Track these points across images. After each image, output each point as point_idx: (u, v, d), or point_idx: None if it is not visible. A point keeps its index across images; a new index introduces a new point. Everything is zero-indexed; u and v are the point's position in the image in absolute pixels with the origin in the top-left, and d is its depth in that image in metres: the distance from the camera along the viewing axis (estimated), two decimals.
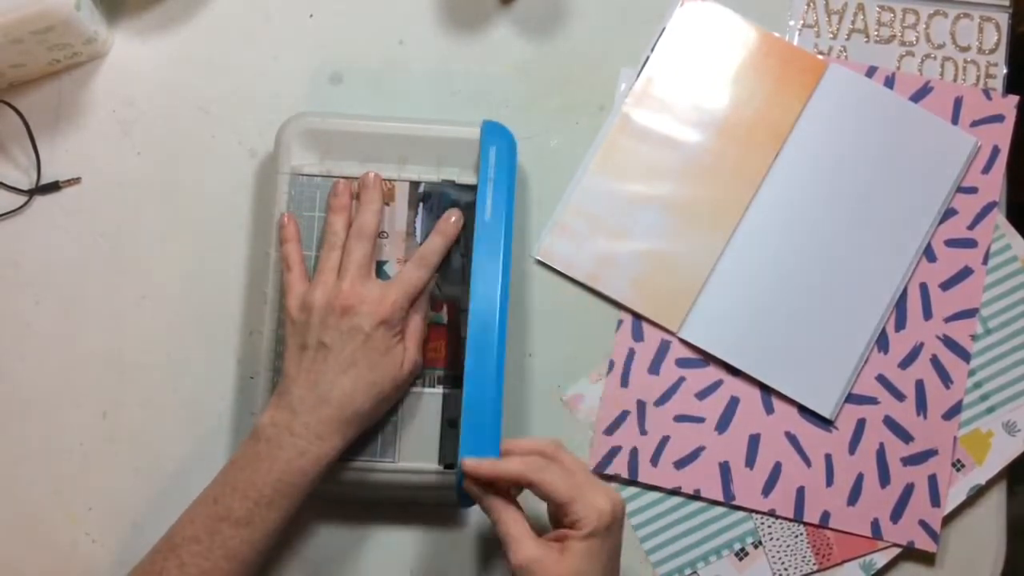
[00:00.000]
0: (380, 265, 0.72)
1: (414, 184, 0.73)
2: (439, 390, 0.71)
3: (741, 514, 0.74)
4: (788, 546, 0.73)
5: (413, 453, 0.70)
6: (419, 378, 0.71)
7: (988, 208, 0.77)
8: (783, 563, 0.73)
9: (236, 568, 0.62)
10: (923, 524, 0.73)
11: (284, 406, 0.65)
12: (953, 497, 0.74)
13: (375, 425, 0.69)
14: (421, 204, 0.73)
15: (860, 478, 0.74)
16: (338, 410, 0.64)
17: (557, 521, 0.62)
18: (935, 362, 0.76)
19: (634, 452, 0.74)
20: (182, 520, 0.64)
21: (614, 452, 0.74)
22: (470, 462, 0.62)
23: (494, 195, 0.71)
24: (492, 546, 0.74)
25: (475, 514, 0.74)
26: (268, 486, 0.63)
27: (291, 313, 0.67)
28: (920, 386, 0.75)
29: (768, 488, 0.74)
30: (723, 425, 0.75)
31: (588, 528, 0.59)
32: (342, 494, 0.72)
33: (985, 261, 0.77)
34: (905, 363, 0.76)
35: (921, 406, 0.75)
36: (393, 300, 0.67)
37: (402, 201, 0.73)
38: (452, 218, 0.72)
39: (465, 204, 0.72)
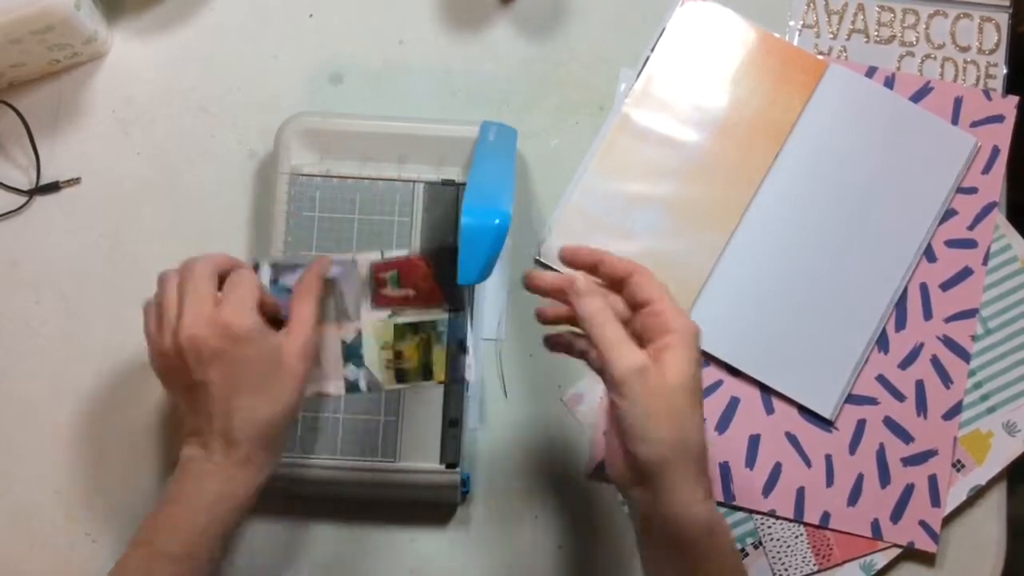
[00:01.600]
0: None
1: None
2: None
3: (741, 514, 0.74)
4: (788, 546, 0.73)
5: (414, 453, 0.70)
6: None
7: (988, 208, 0.77)
8: (783, 563, 0.73)
9: None
10: (923, 524, 0.73)
11: (195, 442, 0.61)
12: (953, 497, 0.74)
13: (376, 426, 0.69)
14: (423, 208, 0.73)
15: (860, 478, 0.74)
16: (246, 430, 0.60)
17: (640, 329, 0.58)
18: (935, 362, 0.76)
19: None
20: (118, 565, 0.61)
21: None
22: (571, 246, 0.60)
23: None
24: (492, 546, 0.74)
25: (475, 514, 0.74)
26: (200, 516, 0.60)
27: (153, 367, 0.63)
28: (920, 386, 0.75)
29: (768, 488, 0.74)
30: (723, 425, 0.75)
31: (685, 330, 0.56)
32: (343, 494, 0.72)
33: (985, 261, 0.77)
34: (905, 363, 0.76)
35: (921, 406, 0.75)
36: (232, 306, 0.60)
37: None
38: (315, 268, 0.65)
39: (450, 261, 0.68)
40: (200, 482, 0.60)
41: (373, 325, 0.67)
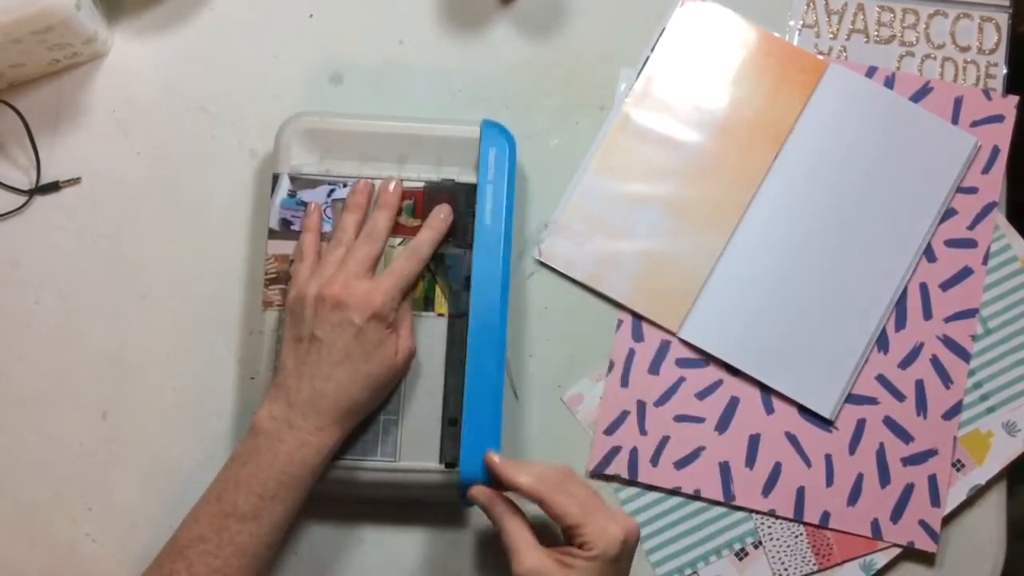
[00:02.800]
0: None
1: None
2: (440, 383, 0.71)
3: (741, 514, 0.74)
4: (788, 546, 0.73)
5: (414, 452, 0.70)
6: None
7: (988, 208, 0.77)
8: (783, 563, 0.73)
9: (246, 564, 0.62)
10: (923, 524, 0.73)
11: (281, 399, 0.65)
12: (953, 497, 0.74)
13: (376, 425, 0.70)
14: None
15: (860, 478, 0.74)
16: (334, 402, 0.64)
17: (568, 541, 0.62)
18: (935, 362, 0.76)
19: (634, 452, 0.74)
20: (186, 522, 0.64)
21: (614, 452, 0.74)
22: (494, 456, 0.65)
23: (494, 197, 0.71)
24: (492, 546, 0.74)
25: (475, 514, 0.74)
26: (271, 479, 0.63)
27: (288, 304, 0.68)
28: (920, 386, 0.75)
29: (768, 488, 0.74)
30: (723, 425, 0.75)
31: (595, 551, 0.60)
32: (343, 493, 0.72)
33: (985, 261, 0.77)
34: (905, 363, 0.76)
35: (921, 406, 0.75)
36: (384, 291, 0.66)
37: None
38: (442, 214, 0.71)
39: (465, 202, 0.72)
40: (273, 444, 0.64)
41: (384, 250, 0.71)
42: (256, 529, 0.62)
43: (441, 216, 0.71)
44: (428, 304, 0.71)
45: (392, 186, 0.71)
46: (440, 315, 0.71)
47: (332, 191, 0.72)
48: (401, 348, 0.68)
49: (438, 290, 0.71)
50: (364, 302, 0.65)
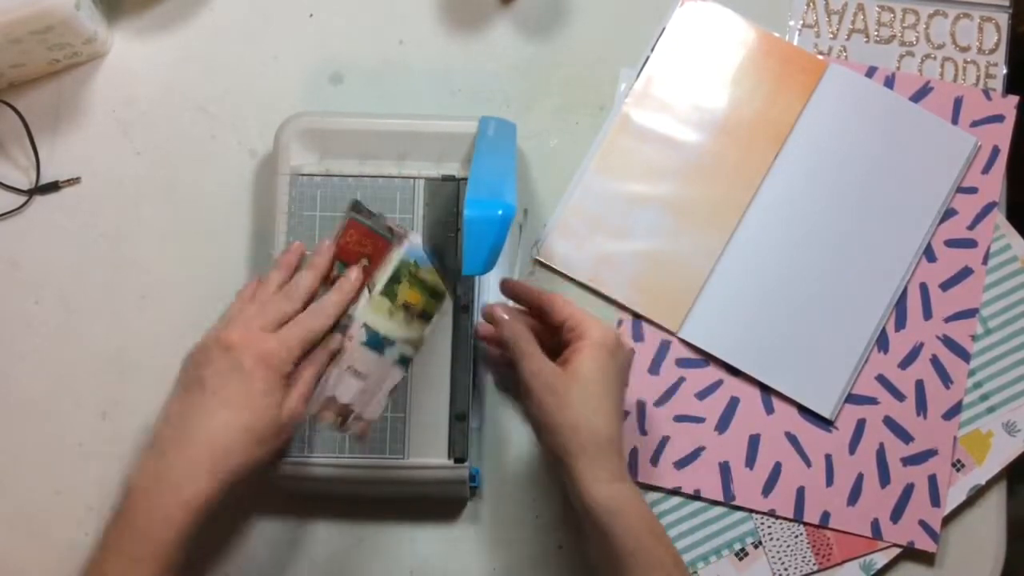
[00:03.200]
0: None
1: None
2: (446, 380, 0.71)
3: (741, 514, 0.74)
4: (788, 546, 0.73)
5: (422, 449, 0.70)
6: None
7: (988, 208, 0.77)
8: (783, 563, 0.73)
9: None
10: (923, 524, 0.73)
11: (154, 451, 0.62)
12: (953, 497, 0.74)
13: (383, 424, 0.69)
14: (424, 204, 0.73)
15: (860, 478, 0.74)
16: (207, 449, 0.60)
17: (565, 345, 0.66)
18: (935, 362, 0.76)
19: (634, 452, 0.74)
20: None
21: None
22: (510, 280, 0.70)
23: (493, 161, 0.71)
24: (493, 546, 0.74)
25: (474, 514, 0.74)
26: (136, 540, 0.59)
27: (190, 354, 0.66)
28: (920, 386, 0.75)
29: (768, 488, 0.74)
30: (723, 425, 0.75)
31: (594, 339, 0.64)
32: (351, 492, 0.72)
33: (985, 261, 0.77)
34: (905, 363, 0.76)
35: (921, 406, 0.75)
36: (280, 339, 0.64)
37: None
38: (352, 275, 0.70)
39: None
40: (138, 502, 0.60)
41: (367, 310, 0.70)
42: (149, 569, 0.58)
43: (352, 278, 0.69)
44: (437, 296, 0.71)
45: (323, 249, 0.70)
46: (450, 298, 0.71)
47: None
48: (287, 407, 0.64)
49: (429, 282, 0.71)
50: (256, 346, 0.63)
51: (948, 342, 0.76)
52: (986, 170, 0.78)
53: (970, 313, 0.76)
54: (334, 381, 0.68)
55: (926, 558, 0.74)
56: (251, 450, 0.62)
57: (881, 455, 0.74)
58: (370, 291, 0.70)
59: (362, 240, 0.71)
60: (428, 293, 0.71)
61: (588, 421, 0.62)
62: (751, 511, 0.74)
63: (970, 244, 0.77)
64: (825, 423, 0.75)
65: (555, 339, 0.67)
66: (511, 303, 0.71)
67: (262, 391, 0.62)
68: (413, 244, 0.71)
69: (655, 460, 0.74)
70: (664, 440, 0.74)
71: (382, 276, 0.70)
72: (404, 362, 0.70)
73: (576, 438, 0.62)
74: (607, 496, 0.61)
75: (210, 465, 0.60)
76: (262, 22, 0.80)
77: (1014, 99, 0.79)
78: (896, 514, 0.73)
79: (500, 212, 0.63)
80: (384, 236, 0.71)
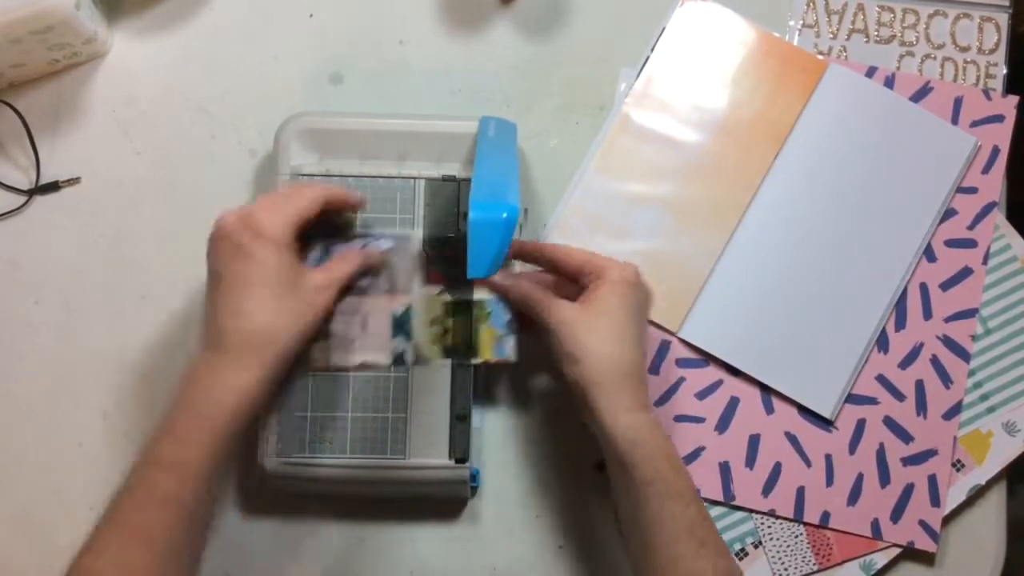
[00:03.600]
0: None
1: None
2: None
3: (741, 514, 0.74)
4: (788, 546, 0.73)
5: (423, 449, 0.70)
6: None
7: (988, 208, 0.77)
8: (783, 563, 0.73)
9: (173, 514, 0.58)
10: (923, 524, 0.73)
11: (202, 345, 0.62)
12: (953, 497, 0.74)
13: (384, 424, 0.69)
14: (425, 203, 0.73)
15: (860, 478, 0.74)
16: (240, 334, 0.61)
17: (581, 289, 0.66)
18: (935, 362, 0.76)
19: None
20: (124, 478, 0.60)
21: None
22: (519, 241, 0.68)
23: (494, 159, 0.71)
24: (493, 546, 0.74)
25: (474, 514, 0.74)
26: (189, 421, 0.60)
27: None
28: (920, 386, 0.75)
29: (768, 488, 0.74)
30: (723, 425, 0.75)
31: (614, 276, 0.64)
32: (352, 493, 0.72)
33: (985, 261, 0.77)
34: (905, 363, 0.76)
35: (921, 406, 0.75)
36: (268, 210, 0.63)
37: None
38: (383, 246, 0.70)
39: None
40: (188, 388, 0.61)
41: (423, 300, 0.69)
42: (178, 477, 0.58)
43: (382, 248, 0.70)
44: (472, 351, 0.68)
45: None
46: (485, 361, 0.68)
47: (365, 244, 0.71)
48: (310, 278, 0.64)
49: (482, 336, 0.69)
50: (247, 223, 0.62)
51: (948, 342, 0.76)
52: (986, 170, 0.78)
53: (970, 313, 0.76)
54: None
55: (926, 558, 0.74)
56: (282, 321, 0.62)
57: (881, 455, 0.74)
58: (443, 293, 0.70)
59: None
60: (469, 342, 0.69)
61: (611, 350, 0.62)
62: (751, 511, 0.74)
63: (970, 244, 0.77)
64: (825, 423, 0.75)
65: (575, 288, 0.67)
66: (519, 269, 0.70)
67: (271, 264, 0.62)
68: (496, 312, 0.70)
69: None
70: None
71: (465, 294, 0.69)
72: (397, 360, 0.69)
73: (598, 366, 0.62)
74: (626, 425, 0.61)
75: (247, 347, 0.61)
76: (262, 22, 0.80)
77: (1014, 99, 0.79)
78: (896, 514, 0.73)
79: (505, 215, 0.63)
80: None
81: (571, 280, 0.67)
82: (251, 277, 0.62)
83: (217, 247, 0.63)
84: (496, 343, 0.69)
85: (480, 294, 0.69)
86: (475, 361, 0.69)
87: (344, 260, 0.67)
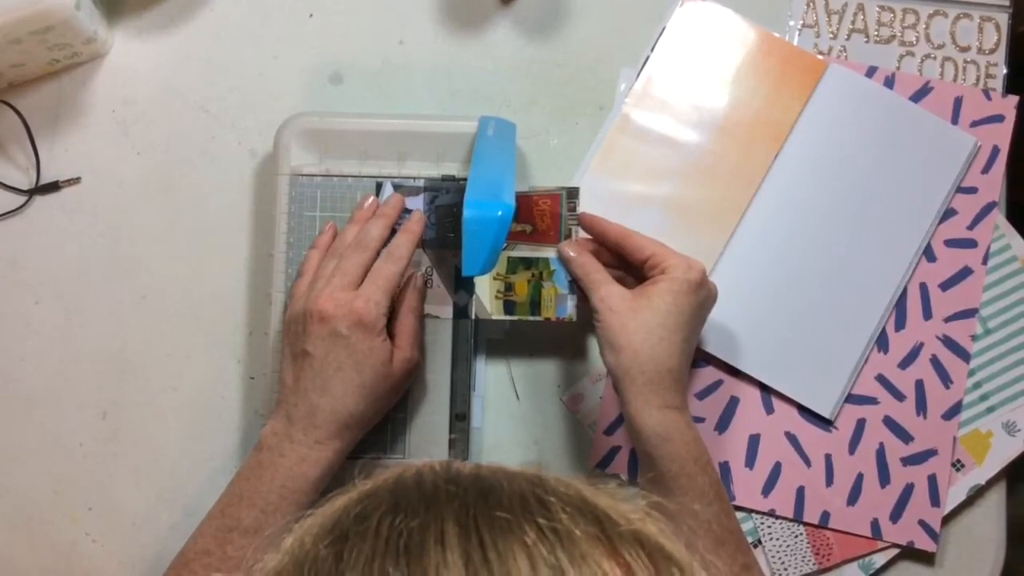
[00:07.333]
0: None
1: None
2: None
3: (741, 514, 0.74)
4: (788, 546, 0.73)
5: (423, 449, 0.70)
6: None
7: (988, 208, 0.77)
8: (783, 563, 0.73)
9: None
10: (923, 524, 0.73)
11: (282, 415, 0.65)
12: (953, 497, 0.74)
13: (385, 423, 0.70)
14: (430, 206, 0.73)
15: (860, 478, 0.74)
16: (331, 415, 0.64)
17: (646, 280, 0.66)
18: (935, 362, 0.76)
19: (634, 452, 0.74)
20: (193, 535, 0.64)
21: (614, 452, 0.74)
22: (588, 214, 0.69)
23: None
24: None
25: None
26: (273, 492, 0.63)
27: (285, 322, 0.68)
28: (920, 386, 0.75)
29: (768, 488, 0.74)
30: (723, 425, 0.75)
31: (676, 274, 0.64)
32: None
33: (985, 261, 0.77)
34: (905, 363, 0.76)
35: (921, 406, 0.75)
36: (366, 298, 0.65)
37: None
38: (415, 216, 0.71)
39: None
40: (274, 459, 0.64)
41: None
42: (256, 543, 0.62)
43: (415, 219, 0.71)
44: (535, 309, 0.70)
45: (393, 200, 0.71)
46: (547, 319, 0.70)
47: (435, 197, 0.72)
48: (398, 358, 0.66)
49: (544, 293, 0.70)
50: (347, 311, 0.64)
51: (948, 342, 0.76)
52: (986, 170, 0.78)
53: (970, 313, 0.76)
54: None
55: (926, 558, 0.74)
56: (373, 407, 0.66)
57: (881, 455, 0.74)
58: (507, 248, 0.70)
59: (545, 215, 0.70)
60: (531, 300, 0.70)
61: (652, 348, 0.63)
62: (751, 511, 0.74)
63: (970, 244, 0.77)
64: (825, 423, 0.75)
65: (638, 276, 0.67)
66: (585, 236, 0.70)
67: (366, 351, 0.64)
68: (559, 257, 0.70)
69: None
70: None
71: (529, 250, 0.70)
72: (459, 313, 0.71)
73: (636, 360, 0.63)
74: (656, 422, 0.62)
75: (336, 428, 0.64)
76: (262, 22, 0.80)
77: (1014, 99, 0.79)
78: (896, 514, 0.73)
79: (499, 213, 0.63)
80: (557, 230, 0.70)
81: (636, 267, 0.68)
82: (346, 363, 0.64)
83: (311, 329, 0.65)
84: (558, 301, 0.69)
85: (545, 253, 0.69)
86: (535, 319, 0.70)
87: (405, 315, 0.69)
